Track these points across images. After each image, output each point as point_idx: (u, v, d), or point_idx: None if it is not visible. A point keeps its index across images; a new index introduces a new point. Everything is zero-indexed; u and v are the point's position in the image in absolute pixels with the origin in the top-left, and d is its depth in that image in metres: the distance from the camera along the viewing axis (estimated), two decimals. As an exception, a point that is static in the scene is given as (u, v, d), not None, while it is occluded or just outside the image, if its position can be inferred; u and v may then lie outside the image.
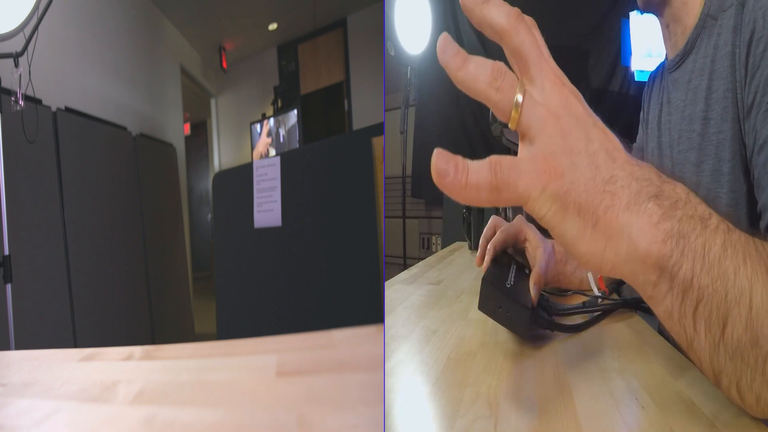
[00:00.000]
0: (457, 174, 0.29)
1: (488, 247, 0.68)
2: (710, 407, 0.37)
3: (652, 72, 0.91)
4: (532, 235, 0.70)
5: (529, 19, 0.34)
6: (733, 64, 0.62)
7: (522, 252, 0.71)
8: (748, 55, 0.59)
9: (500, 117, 0.32)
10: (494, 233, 0.71)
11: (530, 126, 0.31)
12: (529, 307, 0.54)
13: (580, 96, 0.34)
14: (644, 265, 0.31)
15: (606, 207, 0.30)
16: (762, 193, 0.58)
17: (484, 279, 0.55)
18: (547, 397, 0.42)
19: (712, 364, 0.33)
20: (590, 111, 0.33)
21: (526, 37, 0.32)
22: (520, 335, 0.58)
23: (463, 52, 0.31)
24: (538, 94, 0.32)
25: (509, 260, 0.66)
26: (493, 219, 0.76)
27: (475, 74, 0.31)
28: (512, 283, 0.57)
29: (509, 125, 0.31)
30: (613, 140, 0.32)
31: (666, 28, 0.77)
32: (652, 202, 0.31)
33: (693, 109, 0.71)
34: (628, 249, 0.31)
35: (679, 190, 0.33)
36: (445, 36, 0.32)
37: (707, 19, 0.68)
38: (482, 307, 0.56)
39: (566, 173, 0.30)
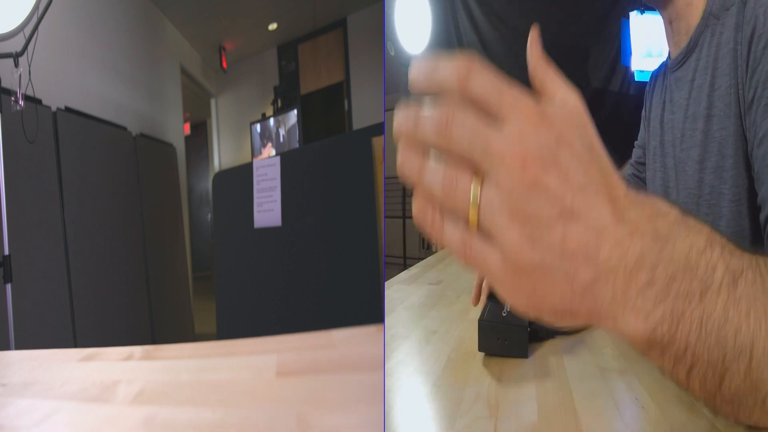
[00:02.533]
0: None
1: (483, 286, 0.71)
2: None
3: (653, 71, 0.91)
4: None
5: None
6: (735, 61, 0.62)
7: None
8: (749, 52, 0.59)
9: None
10: None
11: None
12: (526, 325, 0.56)
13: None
14: (633, 343, 0.30)
15: (588, 310, 0.29)
16: (762, 186, 0.58)
17: (480, 321, 0.58)
18: (547, 397, 0.42)
19: (708, 406, 0.32)
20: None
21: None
22: (521, 356, 0.57)
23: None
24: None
25: None
26: None
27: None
28: (508, 311, 0.59)
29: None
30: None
31: (669, 25, 0.77)
32: (641, 298, 0.28)
33: (696, 108, 0.71)
34: (614, 329, 0.30)
35: (679, 252, 0.29)
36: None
37: (710, 18, 0.68)
38: (482, 347, 0.57)
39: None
